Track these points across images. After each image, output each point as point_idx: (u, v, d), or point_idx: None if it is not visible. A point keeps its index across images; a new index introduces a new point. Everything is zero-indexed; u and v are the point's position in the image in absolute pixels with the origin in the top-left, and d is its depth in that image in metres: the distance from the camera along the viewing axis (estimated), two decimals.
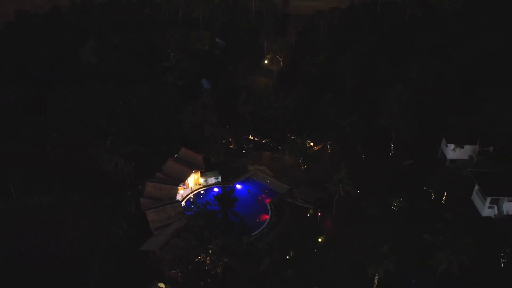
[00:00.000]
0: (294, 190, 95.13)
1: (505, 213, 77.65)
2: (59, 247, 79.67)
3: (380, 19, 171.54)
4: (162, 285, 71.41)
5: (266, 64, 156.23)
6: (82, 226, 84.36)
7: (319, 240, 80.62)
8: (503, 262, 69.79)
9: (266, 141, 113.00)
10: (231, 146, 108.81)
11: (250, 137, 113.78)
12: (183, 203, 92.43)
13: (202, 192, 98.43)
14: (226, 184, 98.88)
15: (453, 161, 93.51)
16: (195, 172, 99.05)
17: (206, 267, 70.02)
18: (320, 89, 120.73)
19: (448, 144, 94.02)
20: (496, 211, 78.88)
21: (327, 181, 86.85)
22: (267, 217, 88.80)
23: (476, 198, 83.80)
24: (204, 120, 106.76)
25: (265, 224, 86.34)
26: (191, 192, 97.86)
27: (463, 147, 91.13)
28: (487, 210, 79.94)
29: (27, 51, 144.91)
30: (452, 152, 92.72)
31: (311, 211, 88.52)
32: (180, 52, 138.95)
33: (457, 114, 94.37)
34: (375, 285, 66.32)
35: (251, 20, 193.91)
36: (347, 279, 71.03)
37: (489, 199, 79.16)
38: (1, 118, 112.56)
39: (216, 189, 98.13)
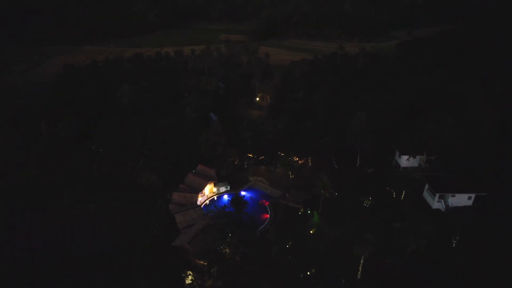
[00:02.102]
0: (287, 194, 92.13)
1: (450, 205, 76.42)
2: (105, 242, 75.32)
3: (340, 66, 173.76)
4: (190, 272, 67.20)
5: (258, 100, 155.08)
6: (123, 226, 79.83)
7: (311, 232, 77.76)
8: (454, 242, 68.24)
9: (262, 157, 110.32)
10: (236, 162, 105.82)
11: (250, 155, 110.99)
12: (201, 207, 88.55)
13: (215, 198, 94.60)
14: (233, 191, 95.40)
15: (405, 168, 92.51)
16: (210, 183, 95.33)
17: (228, 257, 66.16)
18: (300, 117, 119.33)
19: (401, 155, 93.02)
20: (444, 205, 77.66)
21: (309, 186, 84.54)
22: (267, 216, 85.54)
23: (427, 195, 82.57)
24: (216, 142, 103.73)
25: (267, 221, 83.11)
26: (207, 199, 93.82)
27: (415, 157, 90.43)
28: (436, 204, 78.76)
29: (77, 94, 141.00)
30: (405, 161, 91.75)
31: (302, 210, 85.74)
32: (193, 93, 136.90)
33: (406, 132, 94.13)
34: (361, 264, 63.63)
35: (244, 69, 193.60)
36: (336, 261, 68.20)
37: (437, 195, 78.13)
38: (58, 144, 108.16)
39: (225, 196, 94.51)
